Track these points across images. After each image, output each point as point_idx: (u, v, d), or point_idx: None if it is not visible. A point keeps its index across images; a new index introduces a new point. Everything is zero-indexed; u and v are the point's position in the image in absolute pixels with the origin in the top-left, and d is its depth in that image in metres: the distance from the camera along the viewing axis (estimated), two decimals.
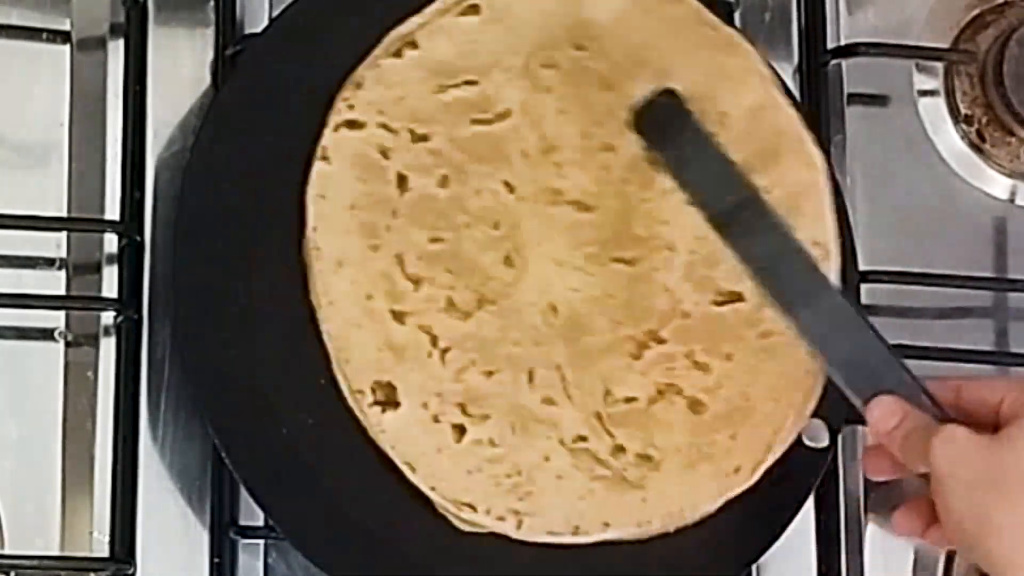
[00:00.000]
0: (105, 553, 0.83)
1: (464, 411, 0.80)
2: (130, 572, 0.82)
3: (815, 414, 0.85)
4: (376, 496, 0.80)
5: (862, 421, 0.87)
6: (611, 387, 0.82)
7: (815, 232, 0.84)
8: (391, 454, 0.79)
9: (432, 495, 0.79)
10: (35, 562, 0.82)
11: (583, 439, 0.81)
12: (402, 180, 0.82)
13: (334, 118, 0.82)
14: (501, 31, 0.84)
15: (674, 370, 0.82)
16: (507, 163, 0.83)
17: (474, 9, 0.84)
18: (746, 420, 0.82)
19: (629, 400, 0.82)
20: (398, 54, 0.83)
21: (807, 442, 0.85)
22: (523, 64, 0.84)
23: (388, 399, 0.80)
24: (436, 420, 0.80)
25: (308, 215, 0.81)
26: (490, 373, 0.81)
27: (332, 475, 0.80)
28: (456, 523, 0.80)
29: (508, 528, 0.80)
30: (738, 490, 0.82)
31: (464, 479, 0.80)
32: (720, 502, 0.82)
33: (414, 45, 0.83)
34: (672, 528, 0.82)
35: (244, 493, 0.82)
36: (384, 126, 0.82)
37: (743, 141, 0.84)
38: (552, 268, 0.83)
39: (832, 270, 0.83)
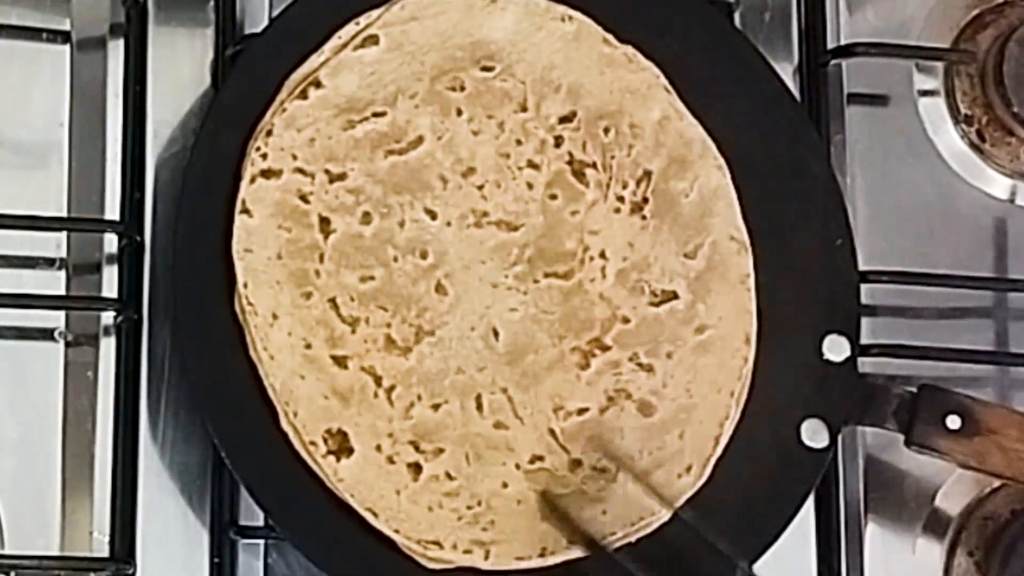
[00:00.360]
0: (105, 553, 0.83)
1: (417, 448, 0.80)
2: (130, 572, 0.82)
3: (815, 414, 0.85)
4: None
5: (862, 421, 0.87)
6: (562, 402, 0.83)
7: (730, 229, 0.86)
8: (351, 502, 0.79)
9: (396, 538, 0.79)
10: (35, 562, 0.82)
11: (539, 459, 0.82)
12: (325, 223, 0.82)
13: (249, 170, 0.81)
14: (402, 58, 0.84)
15: (621, 375, 0.84)
16: (427, 190, 0.84)
17: (373, 40, 0.84)
18: (692, 417, 0.84)
19: (581, 411, 0.83)
20: (303, 95, 0.83)
21: (807, 442, 0.85)
22: (428, 88, 0.85)
23: (341, 447, 0.80)
24: (391, 461, 0.80)
25: (237, 272, 0.80)
26: (437, 406, 0.81)
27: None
28: (423, 562, 0.80)
29: (476, 560, 0.80)
30: (691, 492, 0.83)
31: (426, 517, 0.79)
32: (676, 506, 0.82)
33: (318, 84, 0.83)
34: (634, 539, 0.82)
35: (244, 493, 0.82)
36: (300, 171, 0.82)
37: (655, 151, 0.87)
38: (487, 291, 0.83)
39: (748, 262, 0.86)
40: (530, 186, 0.85)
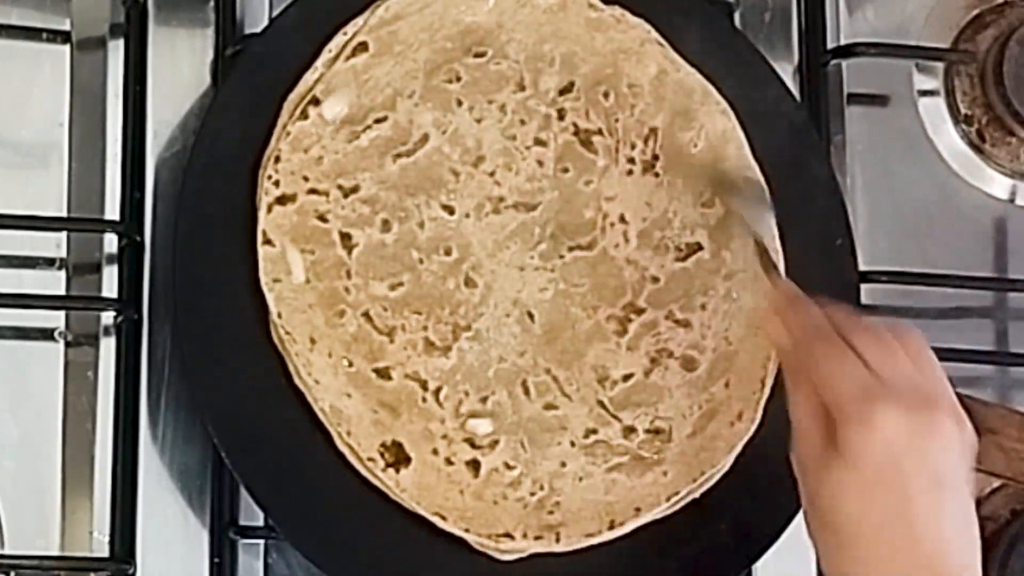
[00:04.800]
0: (105, 553, 0.83)
1: (473, 444, 0.81)
2: (130, 572, 0.82)
3: None
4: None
5: None
6: (606, 372, 0.83)
7: (743, 171, 0.87)
8: (418, 510, 0.79)
9: (467, 536, 0.79)
10: (35, 562, 0.82)
11: (593, 432, 0.82)
12: (346, 238, 0.82)
13: (264, 199, 0.81)
14: (394, 60, 0.84)
15: (660, 334, 0.85)
16: (440, 186, 0.84)
17: (362, 47, 0.84)
18: (734, 364, 0.85)
19: (627, 378, 0.84)
20: (304, 115, 0.82)
21: None
22: (424, 85, 0.85)
23: (398, 458, 0.80)
24: (449, 462, 0.80)
25: (268, 303, 0.80)
26: (485, 399, 0.82)
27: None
28: (497, 555, 0.80)
29: (549, 545, 0.80)
30: (747, 437, 0.84)
31: (493, 511, 0.80)
32: (734, 454, 0.83)
33: (316, 101, 0.83)
34: (698, 494, 0.83)
35: (244, 493, 0.82)
36: (313, 191, 0.82)
37: (657, 106, 0.87)
38: (515, 275, 0.84)
39: (767, 194, 0.87)
40: (540, 163, 0.85)
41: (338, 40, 0.84)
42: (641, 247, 0.86)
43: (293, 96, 0.83)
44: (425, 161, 0.84)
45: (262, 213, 0.81)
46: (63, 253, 0.87)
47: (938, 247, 0.95)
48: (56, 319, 0.85)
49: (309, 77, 0.83)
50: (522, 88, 0.86)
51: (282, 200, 0.81)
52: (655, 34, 0.88)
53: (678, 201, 0.86)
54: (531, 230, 0.84)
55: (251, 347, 0.81)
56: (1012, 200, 0.97)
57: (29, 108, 0.88)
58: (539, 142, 0.86)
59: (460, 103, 0.85)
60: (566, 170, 0.86)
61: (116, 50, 0.89)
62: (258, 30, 0.88)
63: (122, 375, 0.85)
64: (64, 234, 0.87)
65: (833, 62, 0.95)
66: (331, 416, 0.79)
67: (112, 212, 0.87)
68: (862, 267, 0.90)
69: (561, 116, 0.86)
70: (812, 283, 0.87)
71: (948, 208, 0.96)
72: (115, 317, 0.85)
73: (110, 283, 0.86)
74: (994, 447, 0.85)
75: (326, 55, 0.84)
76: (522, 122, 0.86)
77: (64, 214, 0.87)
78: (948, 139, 0.97)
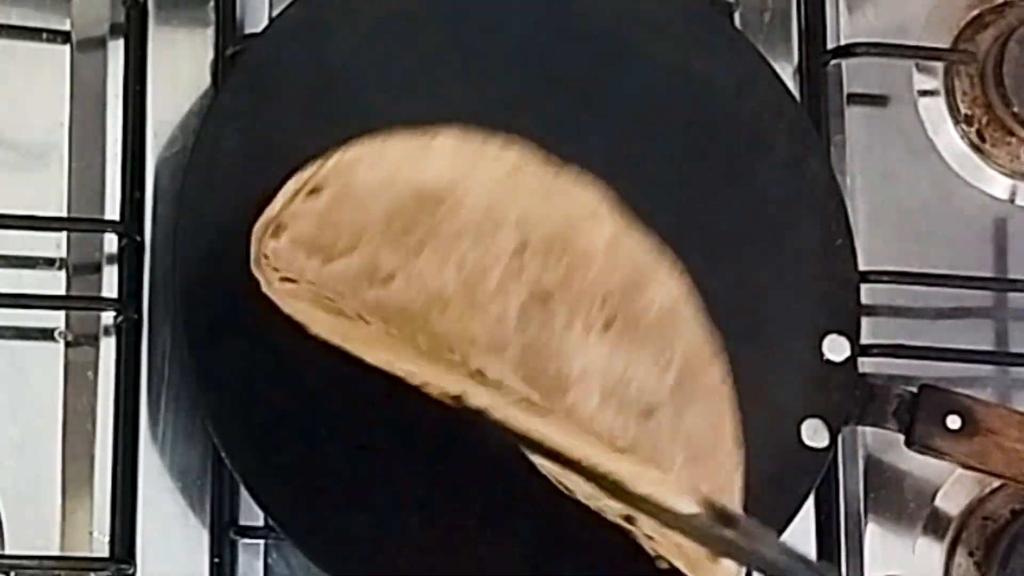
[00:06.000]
0: (105, 553, 0.83)
1: None
2: (130, 572, 0.83)
3: (815, 414, 0.85)
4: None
5: (862, 421, 0.87)
6: None
7: (698, 338, 0.83)
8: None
9: None
10: (35, 562, 0.82)
11: None
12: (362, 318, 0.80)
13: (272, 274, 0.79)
14: (351, 205, 0.81)
15: None
16: (414, 322, 0.81)
17: (317, 191, 0.81)
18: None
19: None
20: (276, 236, 0.79)
21: (807, 442, 0.86)
22: (383, 231, 0.81)
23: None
24: None
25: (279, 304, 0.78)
26: None
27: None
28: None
29: None
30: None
31: None
32: None
33: (283, 227, 0.80)
34: None
35: (244, 493, 0.82)
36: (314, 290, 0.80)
37: (608, 274, 0.84)
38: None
39: (723, 365, 0.83)
40: (501, 317, 0.82)
41: (290, 186, 0.80)
42: (601, 408, 0.82)
43: (262, 221, 0.80)
44: (396, 299, 0.81)
45: (274, 295, 0.79)
46: (63, 253, 0.87)
47: (938, 247, 0.95)
48: (56, 319, 0.85)
49: (272, 209, 0.80)
50: (479, 243, 0.82)
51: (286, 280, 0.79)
52: (610, 195, 0.85)
53: (637, 365, 0.82)
54: (504, 374, 0.81)
55: (251, 347, 0.81)
56: (1012, 200, 0.97)
57: (29, 108, 0.88)
58: (499, 295, 0.82)
59: (421, 250, 0.81)
60: (527, 326, 0.82)
61: (116, 50, 0.89)
62: (258, 30, 0.88)
63: (122, 375, 0.85)
64: (64, 234, 0.87)
65: (833, 62, 0.95)
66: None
67: (112, 212, 0.87)
68: (862, 267, 0.90)
69: (519, 273, 0.83)
70: (812, 283, 0.88)
71: (948, 208, 0.96)
72: (115, 317, 0.85)
73: (110, 283, 0.86)
74: (994, 447, 0.86)
75: (282, 198, 0.80)
76: (483, 274, 0.82)
77: (64, 214, 0.87)
78: (948, 139, 0.97)
